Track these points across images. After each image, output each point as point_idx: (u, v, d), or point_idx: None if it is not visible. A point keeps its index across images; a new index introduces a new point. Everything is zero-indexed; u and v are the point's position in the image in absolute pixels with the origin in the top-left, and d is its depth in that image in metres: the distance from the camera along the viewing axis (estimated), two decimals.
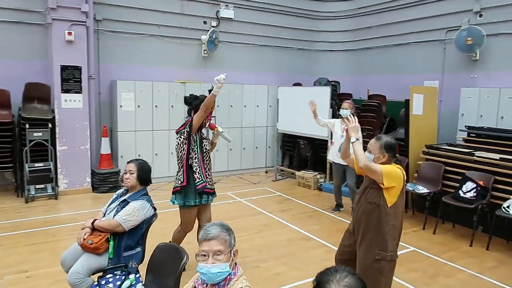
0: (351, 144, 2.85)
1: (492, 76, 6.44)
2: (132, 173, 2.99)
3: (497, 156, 5.00)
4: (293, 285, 3.63)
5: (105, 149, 6.74)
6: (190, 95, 3.76)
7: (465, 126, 5.93)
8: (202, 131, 3.68)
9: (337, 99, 8.00)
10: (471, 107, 6.19)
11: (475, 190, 4.82)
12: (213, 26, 7.84)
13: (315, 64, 9.45)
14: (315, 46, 9.41)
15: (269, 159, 8.71)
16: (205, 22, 7.87)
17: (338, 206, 5.93)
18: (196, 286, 1.82)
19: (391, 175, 2.67)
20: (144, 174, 3.04)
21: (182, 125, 3.59)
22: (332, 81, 8.46)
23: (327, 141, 7.12)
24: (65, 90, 6.22)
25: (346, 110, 5.43)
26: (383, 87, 7.74)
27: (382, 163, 2.74)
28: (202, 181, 3.56)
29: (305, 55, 9.37)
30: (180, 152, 3.58)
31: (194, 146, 3.54)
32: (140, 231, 2.95)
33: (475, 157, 5.14)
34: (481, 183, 4.82)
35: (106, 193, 6.44)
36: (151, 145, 7.15)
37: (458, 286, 3.71)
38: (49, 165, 6.10)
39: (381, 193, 2.69)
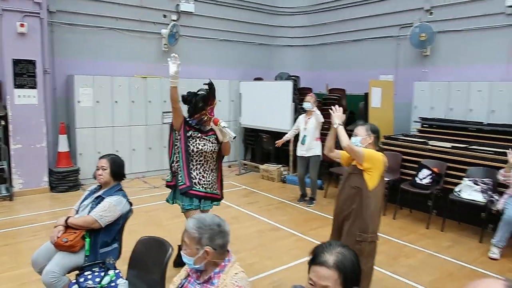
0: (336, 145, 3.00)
1: (441, 71, 6.88)
2: (105, 169, 2.93)
3: (449, 144, 5.38)
4: (268, 273, 3.73)
5: (63, 146, 6.48)
6: (188, 92, 3.34)
7: (419, 118, 6.31)
8: (200, 128, 3.33)
9: (298, 93, 8.20)
10: (423, 100, 6.58)
11: (430, 176, 5.16)
12: (173, 20, 7.73)
13: (275, 59, 9.59)
14: (275, 41, 9.55)
15: (232, 153, 8.73)
16: (165, 16, 7.74)
17: (303, 197, 6.11)
18: (190, 273, 1.84)
19: (372, 157, 2.82)
20: (118, 169, 2.99)
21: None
22: (293, 76, 8.63)
23: None
24: (18, 86, 5.89)
25: (308, 102, 5.61)
26: (341, 81, 8.02)
27: (369, 144, 2.94)
28: (182, 183, 3.28)
29: (265, 50, 9.48)
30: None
31: (178, 145, 3.29)
32: (116, 227, 2.91)
33: (429, 146, 5.50)
34: (435, 170, 5.17)
35: (65, 193, 6.21)
36: (111, 141, 6.95)
37: (419, 265, 3.99)
38: (2, 165, 5.78)
39: (363, 177, 2.84)
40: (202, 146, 3.29)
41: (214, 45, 8.57)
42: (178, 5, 7.81)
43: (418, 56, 7.19)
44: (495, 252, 4.17)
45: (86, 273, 2.62)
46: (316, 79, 8.92)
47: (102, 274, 2.62)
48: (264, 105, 7.75)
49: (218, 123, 3.24)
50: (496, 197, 4.57)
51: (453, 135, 5.69)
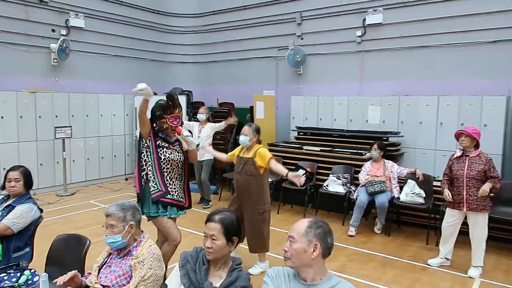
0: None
1: (312, 87, 8.17)
2: (19, 180, 3.15)
3: (318, 148, 6.53)
4: (172, 266, 4.23)
5: None
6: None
7: (296, 127, 7.43)
8: (164, 137, 3.45)
9: (191, 107, 8.82)
10: (299, 112, 7.74)
11: (305, 175, 6.21)
12: (63, 35, 7.72)
13: (168, 74, 10.07)
14: (167, 57, 10.03)
15: (129, 166, 8.93)
16: (53, 30, 7.68)
17: (203, 199, 6.70)
18: (112, 252, 2.32)
19: (263, 152, 3.91)
20: (30, 179, 3.24)
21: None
22: (186, 91, 9.22)
23: None
24: None
25: (202, 114, 6.31)
26: (230, 96, 8.87)
27: (254, 142, 3.93)
28: (157, 190, 3.35)
29: (158, 66, 9.89)
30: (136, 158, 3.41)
31: (149, 154, 3.39)
32: (28, 232, 3.15)
33: (303, 150, 6.60)
34: (309, 169, 6.25)
35: None
36: None
37: None
38: None
39: (256, 166, 3.82)
40: (169, 154, 3.40)
41: (107, 60, 8.72)
42: (67, 20, 7.83)
43: (293, 74, 8.40)
44: (352, 231, 5.31)
45: (1, 275, 2.84)
46: (207, 94, 9.65)
47: (18, 274, 2.87)
48: None
49: (181, 132, 3.43)
50: (353, 188, 5.78)
51: (321, 140, 6.89)
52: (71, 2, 7.89)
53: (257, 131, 4.01)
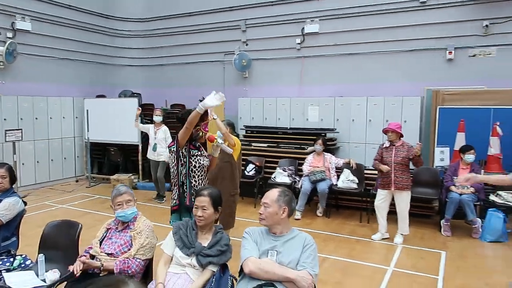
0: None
1: (257, 89, 8.88)
2: (5, 177, 3.43)
3: (265, 144, 7.24)
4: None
5: None
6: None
7: (244, 126, 8.08)
8: (196, 145, 3.34)
9: (142, 109, 9.10)
10: (246, 112, 8.40)
11: (254, 169, 6.88)
12: (9, 38, 7.68)
13: (116, 77, 10.24)
14: (115, 61, 10.20)
15: (78, 168, 9.01)
16: None
17: (159, 195, 7.10)
18: (111, 227, 2.77)
19: (236, 141, 4.40)
20: (14, 175, 3.53)
21: (173, 141, 3.37)
22: (135, 93, 9.49)
23: (137, 146, 8.20)
24: None
25: (158, 116, 6.73)
26: (181, 97, 9.30)
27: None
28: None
29: (106, 69, 10.03)
30: (172, 168, 3.36)
31: (185, 161, 3.28)
32: (14, 223, 3.46)
33: (252, 146, 7.26)
34: (257, 164, 6.93)
35: None
36: None
37: None
38: None
39: (231, 154, 4.28)
40: (202, 161, 3.32)
41: (56, 63, 8.75)
42: (13, 23, 7.80)
43: (240, 77, 9.05)
44: (297, 215, 6.06)
45: None
46: (156, 96, 9.97)
47: (11, 259, 3.19)
48: (111, 120, 8.41)
49: (215, 140, 3.39)
50: (298, 178, 6.55)
51: (268, 138, 7.60)
52: (18, 5, 7.87)
53: (229, 125, 4.70)
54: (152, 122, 7.35)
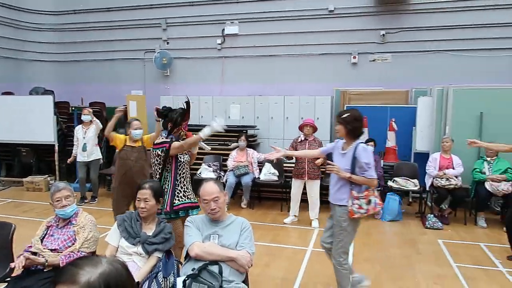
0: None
1: (179, 87, 9.01)
2: None
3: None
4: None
5: None
6: (163, 107, 3.59)
7: None
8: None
9: (56, 107, 8.67)
10: None
11: None
12: None
13: (23, 73, 9.57)
14: (23, 55, 9.52)
15: None
16: None
17: (83, 199, 6.89)
18: (52, 224, 2.82)
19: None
20: None
21: (161, 143, 3.41)
22: (48, 90, 8.98)
23: (52, 145, 7.84)
24: None
25: (87, 115, 6.57)
26: (100, 95, 9.04)
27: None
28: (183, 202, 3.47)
29: (12, 64, 9.33)
30: (155, 169, 3.44)
31: (169, 166, 3.42)
32: None
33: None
34: None
35: None
36: None
37: None
38: None
39: (145, 153, 4.55)
40: (183, 158, 3.47)
41: None
42: None
43: (161, 75, 9.10)
44: (245, 203, 6.41)
45: None
46: (72, 93, 9.53)
47: None
48: (22, 119, 7.89)
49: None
50: (222, 173, 6.89)
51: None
52: None
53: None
54: (69, 121, 7.13)
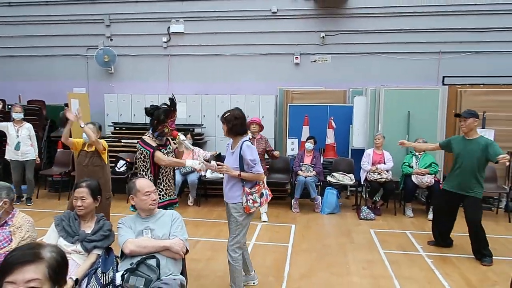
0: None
1: (124, 85, 8.89)
2: None
3: (135, 141, 7.37)
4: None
5: None
6: (151, 105, 3.57)
7: (112, 122, 8.05)
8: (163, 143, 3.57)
9: None
10: (113, 109, 8.37)
11: (125, 165, 7.02)
12: None
13: None
14: None
15: None
16: None
17: (20, 198, 6.63)
18: None
19: (105, 145, 4.52)
20: None
21: (147, 145, 3.45)
22: None
23: None
24: None
25: (19, 113, 6.32)
26: (39, 93, 8.69)
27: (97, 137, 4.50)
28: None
29: None
30: (141, 169, 3.50)
31: (147, 163, 3.47)
32: None
33: (122, 143, 7.35)
34: (128, 159, 7.07)
35: None
36: None
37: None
38: None
39: (101, 158, 4.46)
40: (169, 157, 3.54)
41: None
42: None
43: (105, 73, 8.92)
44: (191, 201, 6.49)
45: None
46: (8, 90, 9.08)
47: None
48: None
49: (177, 136, 3.61)
50: None
51: (137, 134, 7.71)
52: None
53: (100, 128, 4.73)
54: (5, 120, 6.81)
